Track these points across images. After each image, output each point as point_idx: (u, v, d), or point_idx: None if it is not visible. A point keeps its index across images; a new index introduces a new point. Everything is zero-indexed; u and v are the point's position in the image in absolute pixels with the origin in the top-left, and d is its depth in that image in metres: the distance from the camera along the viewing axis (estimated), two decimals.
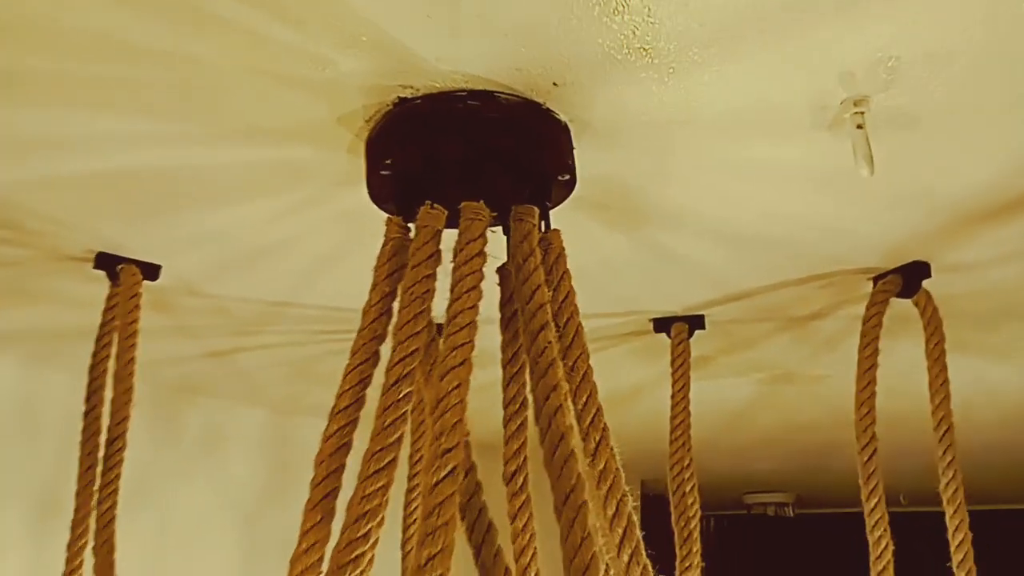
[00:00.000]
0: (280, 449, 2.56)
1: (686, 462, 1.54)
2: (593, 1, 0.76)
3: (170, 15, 0.78)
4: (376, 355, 0.87)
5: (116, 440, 1.37)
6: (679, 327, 1.64)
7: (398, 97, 0.91)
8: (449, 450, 0.71)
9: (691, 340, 1.64)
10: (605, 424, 0.84)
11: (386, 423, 0.78)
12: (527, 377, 1.00)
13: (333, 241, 1.32)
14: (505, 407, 0.98)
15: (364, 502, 0.75)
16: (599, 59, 0.84)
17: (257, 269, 1.46)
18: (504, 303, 1.00)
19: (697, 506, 1.49)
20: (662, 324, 1.68)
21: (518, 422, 0.98)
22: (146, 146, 1.03)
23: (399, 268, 0.90)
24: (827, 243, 1.30)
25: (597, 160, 1.04)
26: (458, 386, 0.74)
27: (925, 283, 1.36)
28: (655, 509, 1.89)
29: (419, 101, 0.90)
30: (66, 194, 1.17)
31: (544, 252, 0.91)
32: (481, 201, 0.88)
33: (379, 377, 0.85)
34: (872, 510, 1.36)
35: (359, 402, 0.85)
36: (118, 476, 1.31)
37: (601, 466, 0.81)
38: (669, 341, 1.67)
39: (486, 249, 0.88)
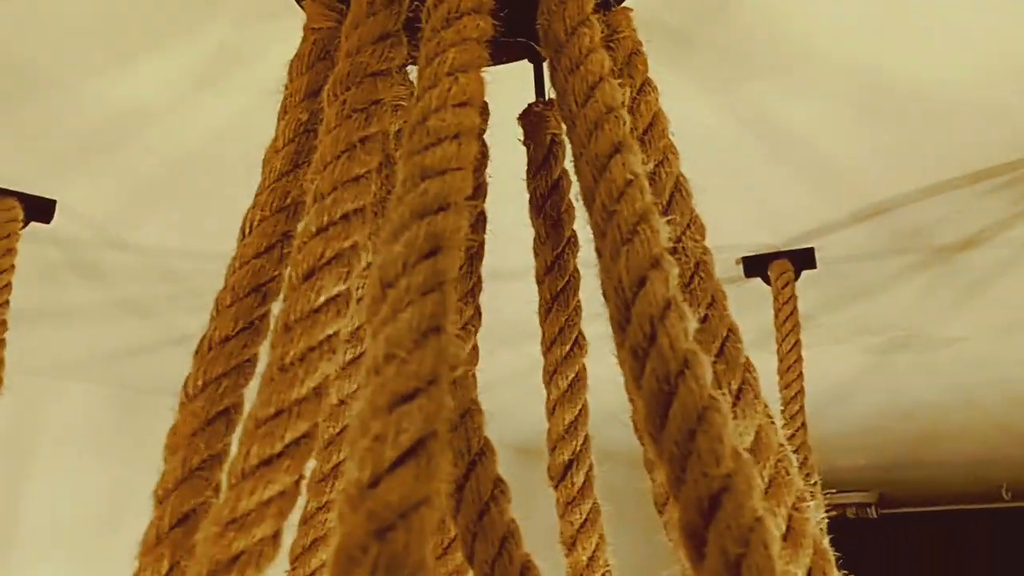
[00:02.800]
0: None
1: (800, 422, 1.08)
2: None
3: None
4: (285, 241, 0.44)
5: None
6: (781, 265, 1.19)
7: None
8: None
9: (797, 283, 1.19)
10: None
11: None
12: (578, 299, 0.56)
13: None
14: (546, 354, 0.54)
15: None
16: None
17: (189, 200, 1.04)
18: (536, 170, 0.57)
19: None
20: (756, 264, 1.22)
21: (568, 379, 0.55)
22: None
23: (324, 84, 0.46)
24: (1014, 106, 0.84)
25: None
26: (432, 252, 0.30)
27: None
28: None
29: None
30: None
31: (606, 46, 0.47)
32: None
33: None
34: None
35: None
36: None
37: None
38: (764, 287, 1.22)
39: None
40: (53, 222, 1.03)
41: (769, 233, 1.17)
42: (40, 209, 1.02)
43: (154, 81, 0.80)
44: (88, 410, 1.90)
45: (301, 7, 0.49)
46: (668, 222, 0.37)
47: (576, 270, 0.57)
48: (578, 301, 0.56)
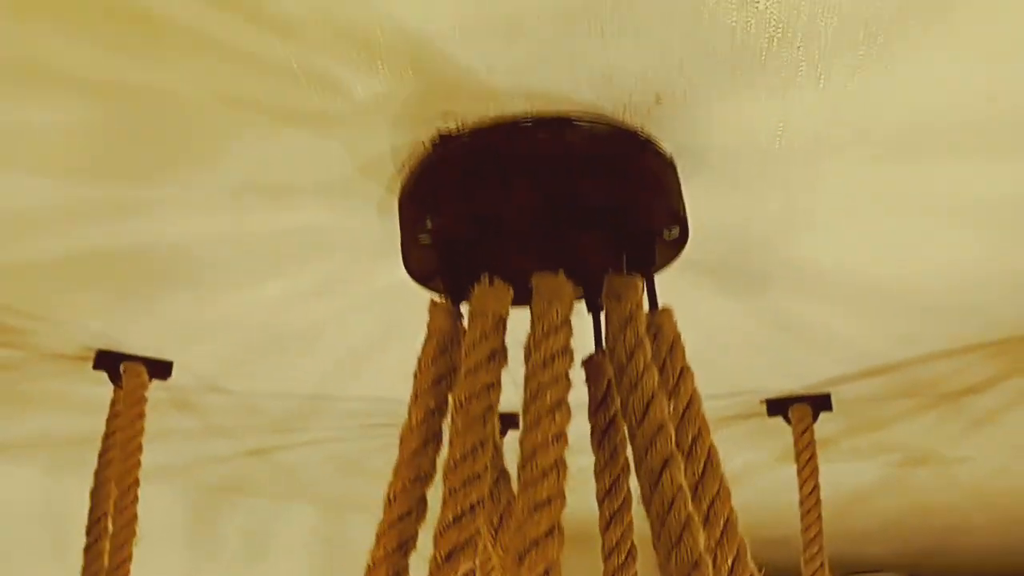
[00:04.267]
0: (330, 548, 2.31)
1: (819, 563, 1.22)
2: None
3: (118, 36, 0.54)
4: (422, 503, 0.60)
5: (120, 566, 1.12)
6: (801, 409, 1.33)
7: (437, 132, 0.66)
8: None
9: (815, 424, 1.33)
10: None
11: None
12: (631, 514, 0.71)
13: (371, 325, 1.07)
14: (605, 560, 0.69)
15: None
16: (728, 56, 0.57)
17: (284, 360, 1.21)
18: (596, 408, 0.72)
19: None
20: (778, 406, 1.37)
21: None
22: (121, 217, 0.80)
23: (449, 371, 0.63)
24: (1009, 304, 0.99)
25: (711, 206, 0.77)
26: (545, 573, 0.46)
27: None
28: None
29: (466, 137, 0.64)
30: (38, 283, 0.94)
31: (654, 341, 0.64)
32: (561, 271, 0.61)
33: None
34: None
35: None
36: None
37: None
38: (785, 424, 1.36)
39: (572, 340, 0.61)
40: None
41: (792, 380, 1.32)
42: (160, 369, 1.20)
43: (277, 290, 0.98)
44: (162, 508, 2.07)
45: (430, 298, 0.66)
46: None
47: (629, 491, 0.72)
48: (631, 516, 0.71)
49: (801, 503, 1.23)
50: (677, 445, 0.58)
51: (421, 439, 0.61)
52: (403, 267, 0.74)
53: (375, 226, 0.80)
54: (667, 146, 0.68)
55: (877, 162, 0.71)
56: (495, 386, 0.59)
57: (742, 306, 1.01)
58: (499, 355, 0.60)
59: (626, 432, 0.72)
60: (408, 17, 0.54)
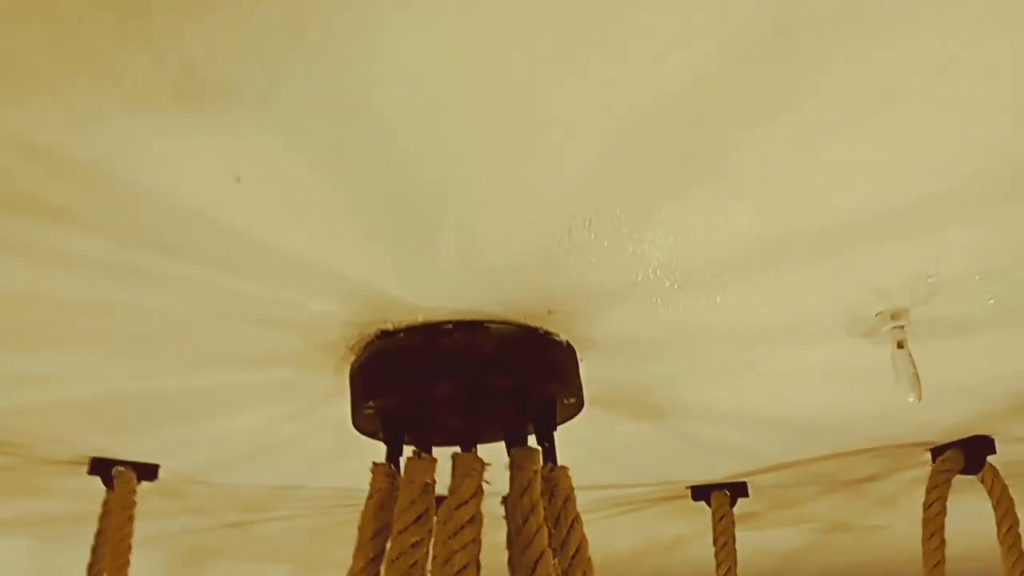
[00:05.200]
0: None
1: None
2: (584, 235, 0.67)
3: (127, 278, 0.71)
4: None
5: None
6: (720, 496, 1.50)
7: (379, 330, 0.82)
8: None
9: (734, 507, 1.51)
10: None
11: None
12: None
13: (329, 441, 1.23)
14: None
15: None
16: (604, 288, 0.74)
17: (257, 463, 1.36)
18: (512, 539, 0.89)
19: None
20: (701, 492, 1.54)
21: None
22: (122, 378, 0.96)
23: (386, 525, 0.79)
24: (876, 425, 1.17)
25: (606, 369, 0.94)
26: None
27: (990, 458, 1.21)
28: None
29: (401, 335, 0.81)
30: (52, 418, 1.10)
31: (550, 495, 0.80)
32: (475, 450, 0.78)
33: None
34: None
35: None
36: None
37: None
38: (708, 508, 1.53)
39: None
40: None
41: (711, 473, 1.49)
42: (147, 472, 1.35)
43: (252, 419, 1.13)
44: (146, 571, 2.20)
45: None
46: None
47: None
48: None
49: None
50: (564, 574, 0.74)
51: None
52: (346, 406, 0.91)
53: (331, 379, 0.97)
54: (563, 336, 0.85)
55: (741, 344, 0.89)
56: (422, 542, 0.75)
57: (650, 424, 1.18)
58: (426, 516, 0.77)
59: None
60: (354, 269, 0.71)
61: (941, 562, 1.32)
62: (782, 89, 0.48)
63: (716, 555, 1.43)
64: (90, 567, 1.31)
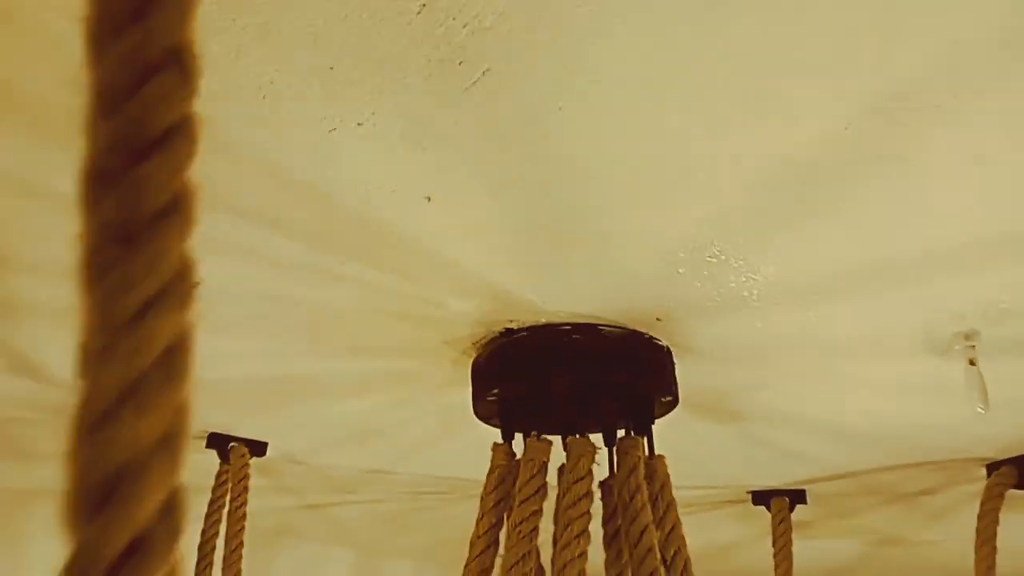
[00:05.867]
0: None
1: None
2: (702, 256, 0.78)
3: (308, 273, 0.84)
4: None
5: None
6: (779, 502, 1.59)
7: (505, 328, 0.94)
8: None
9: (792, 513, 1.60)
10: None
11: None
12: None
13: (434, 426, 1.35)
14: None
15: None
16: (710, 302, 0.85)
17: (357, 447, 1.49)
18: (607, 519, 1.00)
19: None
20: (761, 497, 1.63)
21: None
22: (271, 360, 1.09)
23: (505, 496, 0.91)
24: (938, 437, 1.26)
25: (697, 373, 1.04)
26: None
27: None
28: None
29: (525, 333, 0.93)
30: None
31: (649, 481, 0.91)
32: (587, 436, 0.90)
33: None
34: None
35: None
36: None
37: None
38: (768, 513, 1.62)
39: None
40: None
41: (773, 479, 1.58)
42: (258, 449, 1.48)
43: (367, 404, 1.26)
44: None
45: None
46: None
47: None
48: None
49: None
50: (662, 557, 0.85)
51: (484, 544, 0.89)
52: (466, 391, 1.03)
53: (448, 370, 1.09)
54: (664, 342, 0.96)
55: (821, 356, 0.99)
56: (539, 512, 0.87)
57: (726, 428, 1.28)
58: (542, 489, 0.88)
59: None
60: (498, 276, 0.83)
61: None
62: (895, 145, 0.59)
63: (775, 556, 1.52)
64: (204, 531, 1.44)
